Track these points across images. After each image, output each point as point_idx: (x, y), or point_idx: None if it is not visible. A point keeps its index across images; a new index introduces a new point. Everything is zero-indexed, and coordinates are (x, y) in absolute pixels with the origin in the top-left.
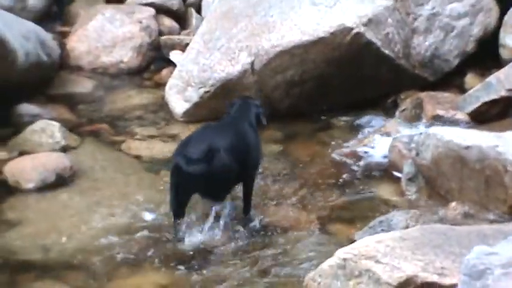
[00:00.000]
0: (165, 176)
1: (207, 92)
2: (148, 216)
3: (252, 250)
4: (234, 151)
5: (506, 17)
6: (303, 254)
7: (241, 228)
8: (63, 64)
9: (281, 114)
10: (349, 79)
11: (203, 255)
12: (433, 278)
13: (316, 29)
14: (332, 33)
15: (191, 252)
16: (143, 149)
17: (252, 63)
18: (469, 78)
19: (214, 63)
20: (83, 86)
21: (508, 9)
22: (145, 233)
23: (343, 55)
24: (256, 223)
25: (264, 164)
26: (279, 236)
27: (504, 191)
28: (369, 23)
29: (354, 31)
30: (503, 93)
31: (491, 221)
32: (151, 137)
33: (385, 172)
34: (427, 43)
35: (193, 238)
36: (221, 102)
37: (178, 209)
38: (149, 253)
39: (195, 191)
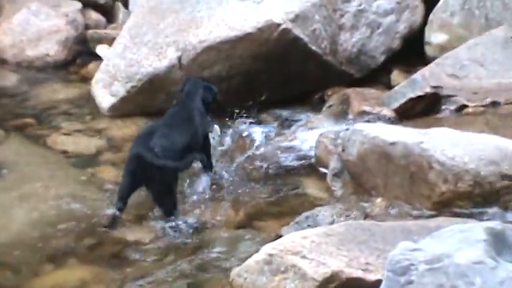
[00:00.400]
0: (91, 171)
1: (134, 86)
2: (73, 212)
3: (179, 247)
4: (184, 145)
5: (431, 15)
6: (231, 250)
7: (168, 227)
8: None
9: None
10: (276, 75)
11: (130, 251)
12: (358, 273)
13: (244, 24)
14: (259, 29)
15: (118, 248)
16: (69, 143)
17: (180, 59)
18: (395, 75)
19: (141, 58)
20: (8, 79)
21: (433, 7)
22: (70, 228)
23: (271, 51)
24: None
25: None
26: (207, 233)
27: (428, 187)
28: (296, 19)
29: (281, 27)
30: (428, 89)
31: (416, 217)
32: (78, 131)
33: (312, 168)
34: (353, 39)
35: (122, 233)
36: (148, 97)
37: (126, 197)
38: (74, 249)
39: (150, 181)
